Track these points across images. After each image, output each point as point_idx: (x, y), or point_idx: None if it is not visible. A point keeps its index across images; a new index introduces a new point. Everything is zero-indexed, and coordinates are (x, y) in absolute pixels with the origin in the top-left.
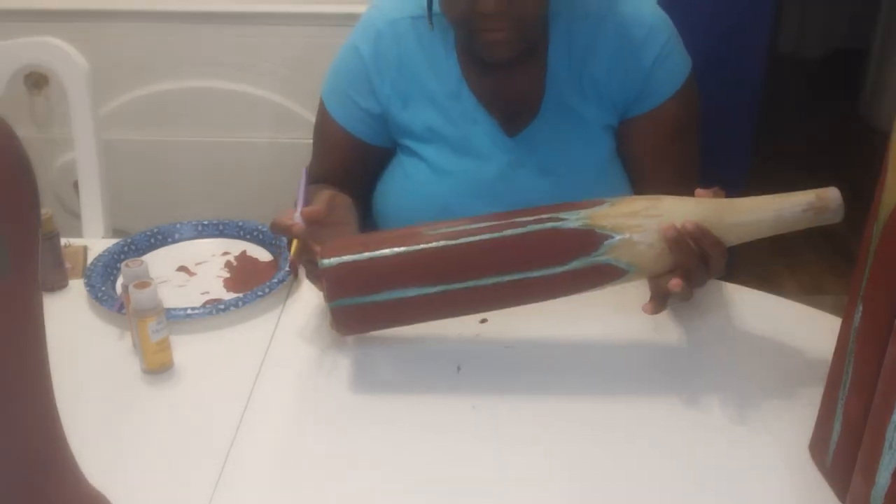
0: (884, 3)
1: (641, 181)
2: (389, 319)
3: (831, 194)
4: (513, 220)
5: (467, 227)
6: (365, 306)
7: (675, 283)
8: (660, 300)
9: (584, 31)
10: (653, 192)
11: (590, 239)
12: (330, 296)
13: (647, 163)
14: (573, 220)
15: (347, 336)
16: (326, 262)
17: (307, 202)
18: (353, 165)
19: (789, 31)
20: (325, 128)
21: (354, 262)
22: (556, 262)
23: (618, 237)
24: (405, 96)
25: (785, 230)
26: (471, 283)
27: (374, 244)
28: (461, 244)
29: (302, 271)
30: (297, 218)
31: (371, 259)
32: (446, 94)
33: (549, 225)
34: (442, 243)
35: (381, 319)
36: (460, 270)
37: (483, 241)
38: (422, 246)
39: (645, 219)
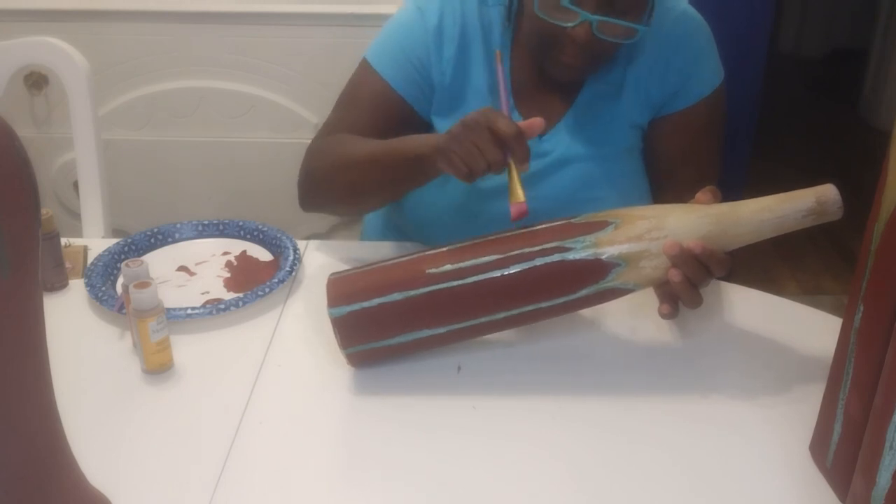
0: (884, 3)
1: (664, 179)
2: (403, 355)
3: (831, 196)
4: (519, 251)
5: (472, 262)
6: (378, 350)
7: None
8: (672, 302)
9: None
10: (674, 190)
11: (598, 268)
12: (343, 343)
13: (672, 161)
14: (579, 248)
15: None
16: (335, 311)
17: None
18: (387, 127)
19: (789, 31)
20: (365, 86)
21: (363, 309)
22: (565, 293)
23: (625, 265)
24: (459, 77)
25: (785, 232)
26: (481, 320)
27: (380, 287)
28: (469, 284)
29: None
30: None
31: (380, 306)
32: (490, 88)
33: (556, 257)
34: (450, 284)
35: (395, 356)
36: (470, 310)
37: (491, 280)
38: (430, 288)
39: (650, 242)
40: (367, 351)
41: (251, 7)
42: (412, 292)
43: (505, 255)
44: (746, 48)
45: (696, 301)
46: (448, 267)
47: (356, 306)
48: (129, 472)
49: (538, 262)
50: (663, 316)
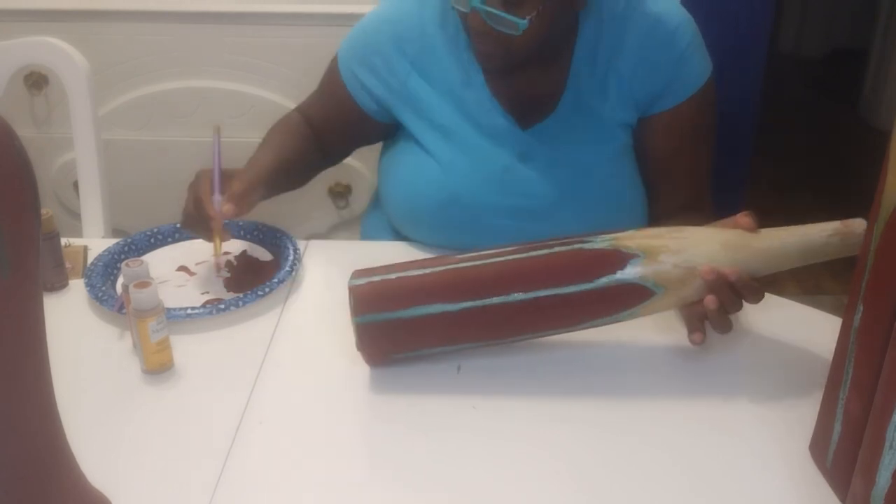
0: (884, 3)
1: (655, 178)
2: (413, 339)
3: (857, 223)
4: (539, 244)
5: (494, 251)
6: (390, 323)
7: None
8: (700, 327)
9: (611, 31)
10: (668, 188)
11: (615, 258)
12: (355, 311)
13: (663, 160)
14: (599, 242)
15: (374, 366)
16: (354, 281)
17: (221, 180)
18: (344, 125)
19: (789, 31)
20: (332, 84)
21: (382, 281)
22: (581, 280)
23: (643, 256)
24: (425, 75)
25: (811, 261)
26: (496, 300)
27: (400, 267)
28: (488, 264)
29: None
30: (216, 202)
31: (399, 278)
32: (463, 83)
33: (576, 246)
34: (469, 263)
35: (404, 339)
36: (486, 287)
37: (510, 261)
38: (449, 266)
39: (670, 240)
40: (378, 324)
41: (251, 7)
42: (430, 269)
43: (525, 246)
44: (746, 48)
45: (726, 326)
46: (470, 254)
47: (376, 278)
48: (129, 472)
49: (557, 249)
50: (695, 343)
